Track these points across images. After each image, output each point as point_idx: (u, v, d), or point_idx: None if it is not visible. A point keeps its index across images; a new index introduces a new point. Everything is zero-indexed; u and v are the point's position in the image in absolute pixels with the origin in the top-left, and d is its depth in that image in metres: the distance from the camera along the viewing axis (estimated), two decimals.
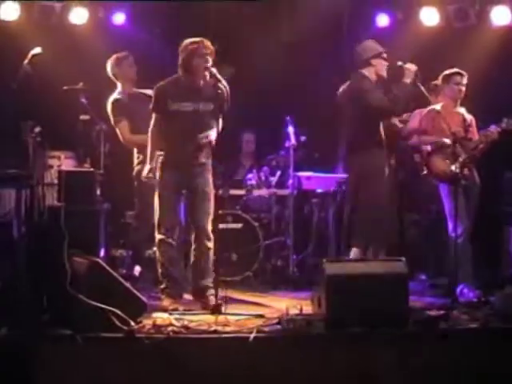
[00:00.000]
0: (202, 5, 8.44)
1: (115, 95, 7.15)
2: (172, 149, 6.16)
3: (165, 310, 5.77)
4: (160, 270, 6.20)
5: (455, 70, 6.96)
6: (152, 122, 6.24)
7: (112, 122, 7.12)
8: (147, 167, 6.19)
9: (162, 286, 6.18)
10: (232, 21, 8.39)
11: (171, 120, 6.15)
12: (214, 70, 5.94)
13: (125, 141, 7.11)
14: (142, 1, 8.64)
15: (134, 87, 7.21)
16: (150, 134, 6.24)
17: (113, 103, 7.10)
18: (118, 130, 7.11)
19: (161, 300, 6.17)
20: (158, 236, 6.19)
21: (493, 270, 7.32)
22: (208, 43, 6.06)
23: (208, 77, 6.01)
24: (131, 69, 7.19)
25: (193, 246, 6.24)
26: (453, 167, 6.51)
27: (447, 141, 6.67)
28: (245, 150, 8.89)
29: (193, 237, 6.24)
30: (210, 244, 6.17)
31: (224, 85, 5.88)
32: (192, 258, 6.25)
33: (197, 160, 6.15)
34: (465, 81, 6.92)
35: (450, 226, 6.62)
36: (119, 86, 7.18)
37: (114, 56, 7.19)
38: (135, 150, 7.12)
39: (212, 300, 5.79)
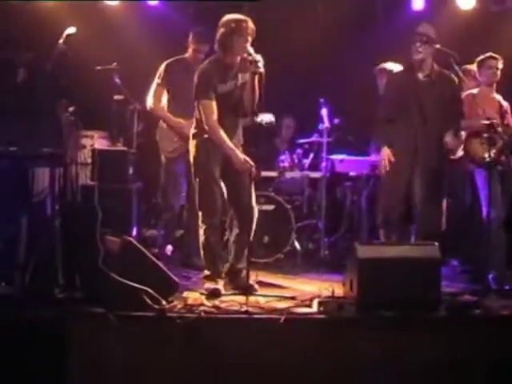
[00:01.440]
0: None
1: (175, 58, 6.97)
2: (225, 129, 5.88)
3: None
4: (210, 254, 5.96)
5: (489, 54, 6.86)
6: (208, 112, 5.82)
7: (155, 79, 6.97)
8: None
9: (208, 272, 5.95)
10: (268, 4, 8.34)
11: (219, 102, 5.82)
12: (251, 49, 5.74)
13: (151, 107, 6.91)
14: None
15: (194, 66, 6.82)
16: (214, 126, 5.79)
17: (167, 65, 6.92)
18: (152, 90, 6.92)
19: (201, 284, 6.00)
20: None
21: None
22: (250, 23, 5.79)
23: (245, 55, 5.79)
24: (202, 48, 6.87)
25: (237, 230, 6.03)
26: (489, 153, 6.43)
27: (485, 122, 6.57)
28: (284, 135, 8.83)
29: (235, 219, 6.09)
30: None
31: (260, 67, 5.75)
32: (237, 241, 6.04)
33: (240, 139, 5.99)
34: (500, 65, 6.80)
35: (485, 212, 6.56)
36: (187, 54, 7.00)
37: (201, 30, 6.97)
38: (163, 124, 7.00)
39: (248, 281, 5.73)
